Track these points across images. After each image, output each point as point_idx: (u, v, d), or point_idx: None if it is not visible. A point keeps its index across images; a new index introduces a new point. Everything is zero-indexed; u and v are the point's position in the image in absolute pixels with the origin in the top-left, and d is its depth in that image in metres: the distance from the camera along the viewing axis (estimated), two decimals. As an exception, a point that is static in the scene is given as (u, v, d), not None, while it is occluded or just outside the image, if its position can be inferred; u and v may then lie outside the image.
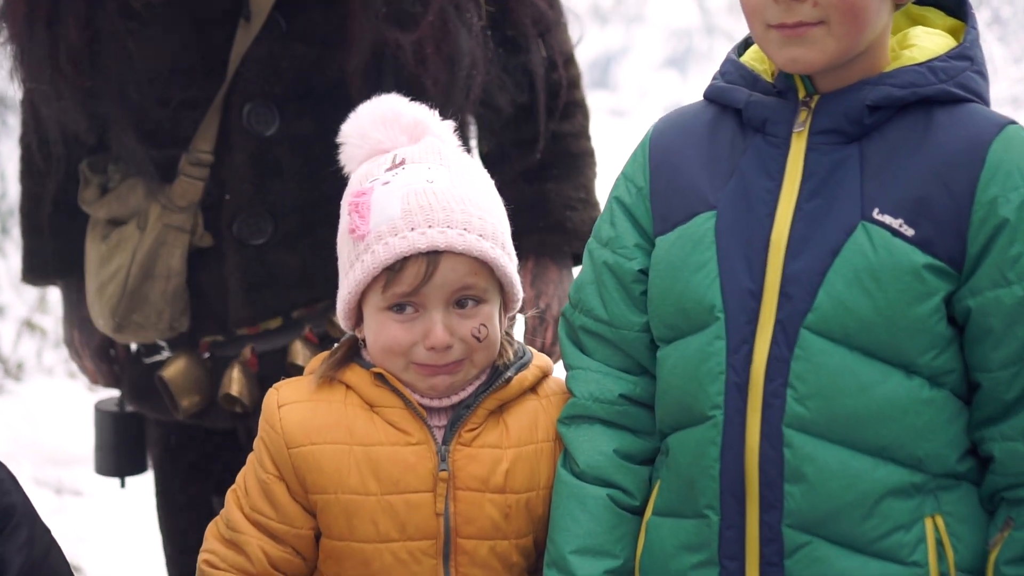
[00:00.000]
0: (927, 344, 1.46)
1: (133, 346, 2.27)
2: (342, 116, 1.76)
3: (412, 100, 1.87)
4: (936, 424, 1.47)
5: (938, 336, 1.47)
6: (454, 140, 1.70)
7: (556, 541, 1.59)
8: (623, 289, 1.61)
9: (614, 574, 1.58)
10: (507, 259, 1.62)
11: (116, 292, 2.16)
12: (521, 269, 2.21)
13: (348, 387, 1.63)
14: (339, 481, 1.60)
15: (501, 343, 1.64)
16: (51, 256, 2.32)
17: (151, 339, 2.18)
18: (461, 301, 1.59)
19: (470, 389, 1.63)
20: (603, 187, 2.21)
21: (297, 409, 1.63)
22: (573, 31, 2.32)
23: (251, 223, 2.12)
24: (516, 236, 2.21)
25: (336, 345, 1.68)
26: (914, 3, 1.58)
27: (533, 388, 1.67)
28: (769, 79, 1.55)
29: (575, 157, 2.31)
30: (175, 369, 2.16)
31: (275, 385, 1.68)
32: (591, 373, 1.63)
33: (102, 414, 2.36)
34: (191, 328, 2.16)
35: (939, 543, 1.48)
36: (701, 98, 1.62)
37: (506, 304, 1.65)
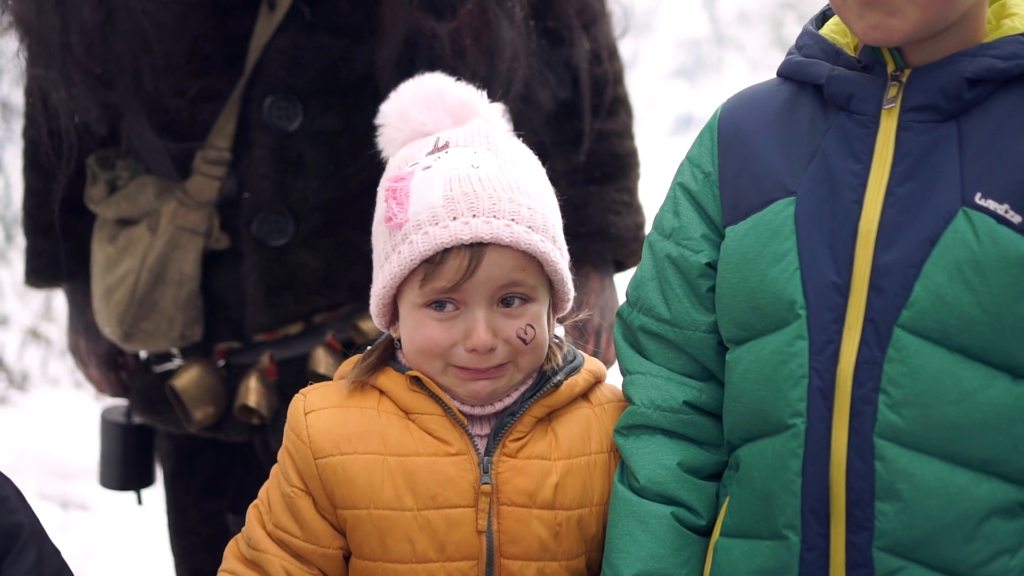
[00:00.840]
0: None
1: (143, 354, 2.22)
2: (369, 111, 1.70)
3: None
4: None
5: None
6: (503, 124, 1.62)
7: (614, 564, 1.50)
8: (688, 285, 1.52)
9: None
10: (558, 254, 1.52)
11: (124, 298, 2.11)
12: None
13: (382, 392, 1.53)
14: (371, 495, 1.51)
15: (549, 346, 1.54)
16: (55, 258, 2.26)
17: (161, 348, 2.13)
18: (507, 299, 1.49)
19: (515, 395, 1.53)
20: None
21: (325, 416, 1.53)
22: (617, 24, 2.29)
23: (271, 222, 2.05)
24: None
25: (370, 347, 1.58)
26: None
27: (585, 395, 1.57)
28: (852, 53, 1.45)
29: (619, 158, 2.26)
30: (187, 378, 2.11)
31: (302, 391, 1.59)
32: (652, 378, 1.54)
33: (108, 424, 2.31)
34: (205, 334, 2.12)
35: None
36: (775, 76, 1.53)
37: (555, 304, 1.56)
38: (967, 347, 1.37)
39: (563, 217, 2.19)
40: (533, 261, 1.49)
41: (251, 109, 2.04)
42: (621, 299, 2.23)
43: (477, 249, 1.46)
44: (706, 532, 1.52)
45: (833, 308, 1.41)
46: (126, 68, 2.05)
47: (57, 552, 1.57)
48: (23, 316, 5.82)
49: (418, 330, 1.50)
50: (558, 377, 1.54)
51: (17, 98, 7.08)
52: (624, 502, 1.52)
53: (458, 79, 2.00)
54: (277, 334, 2.08)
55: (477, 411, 1.52)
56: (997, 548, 1.37)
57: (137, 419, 2.27)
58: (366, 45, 2.04)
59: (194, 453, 2.23)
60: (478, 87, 2.01)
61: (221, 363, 2.11)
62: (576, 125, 2.20)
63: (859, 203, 1.41)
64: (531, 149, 2.22)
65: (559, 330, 1.71)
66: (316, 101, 2.03)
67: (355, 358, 1.58)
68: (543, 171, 1.59)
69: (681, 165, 1.56)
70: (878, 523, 1.39)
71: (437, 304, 1.49)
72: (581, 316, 2.15)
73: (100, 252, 2.16)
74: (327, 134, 2.01)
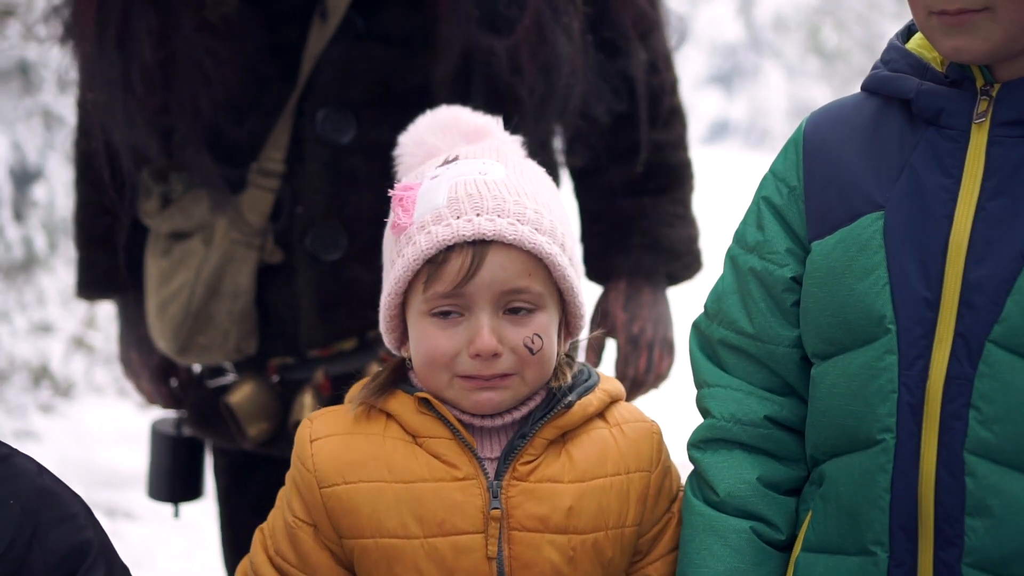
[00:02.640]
0: None
1: (196, 368, 2.23)
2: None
3: (506, 111, 1.81)
4: None
5: None
6: (520, 148, 1.62)
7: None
8: (772, 299, 1.54)
9: None
10: (567, 261, 1.48)
11: (179, 312, 2.12)
12: (612, 291, 2.24)
13: (389, 416, 1.51)
14: (377, 524, 1.48)
15: (558, 363, 1.51)
16: (107, 270, 2.30)
17: (216, 361, 2.14)
18: (514, 307, 1.46)
19: (524, 410, 1.50)
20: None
21: (331, 443, 1.51)
22: (673, 32, 2.29)
23: (325, 237, 2.05)
24: (610, 253, 2.20)
25: (379, 369, 1.56)
26: None
27: (601, 415, 1.54)
28: (939, 68, 1.46)
29: (673, 169, 2.26)
30: (242, 394, 2.11)
31: (309, 416, 1.58)
32: (732, 392, 1.55)
33: (158, 436, 2.34)
34: (259, 350, 2.12)
35: None
36: (859, 91, 1.55)
37: (569, 322, 1.53)
38: None
39: (618, 228, 2.13)
40: (540, 267, 1.46)
41: (304, 122, 2.04)
42: (675, 312, 2.24)
43: (480, 247, 1.44)
44: (785, 547, 1.53)
45: (923, 323, 1.43)
46: (186, 103, 2.08)
47: (126, 569, 1.59)
48: (67, 324, 5.91)
49: (423, 340, 1.48)
50: (570, 397, 1.51)
51: (59, 107, 7.20)
52: (701, 516, 1.52)
53: (517, 95, 1.98)
54: (331, 350, 2.08)
55: (487, 423, 1.49)
56: None
57: (187, 431, 2.28)
58: (420, 56, 2.05)
59: (248, 469, 2.23)
60: (536, 103, 2.02)
61: (275, 379, 2.11)
62: (632, 136, 2.20)
63: (949, 218, 1.43)
64: (586, 162, 2.21)
65: (580, 353, 1.67)
66: (370, 113, 2.04)
67: (363, 380, 1.56)
68: (556, 188, 1.59)
69: (764, 178, 1.57)
70: (968, 539, 1.39)
71: (442, 314, 1.46)
72: (634, 330, 2.18)
73: (154, 266, 2.17)
74: (381, 146, 1.97)
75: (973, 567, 1.40)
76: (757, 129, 15.36)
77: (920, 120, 1.47)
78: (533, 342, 1.45)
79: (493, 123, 1.61)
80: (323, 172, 2.06)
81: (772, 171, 1.56)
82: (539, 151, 2.13)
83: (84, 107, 2.22)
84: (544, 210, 1.48)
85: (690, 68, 18.19)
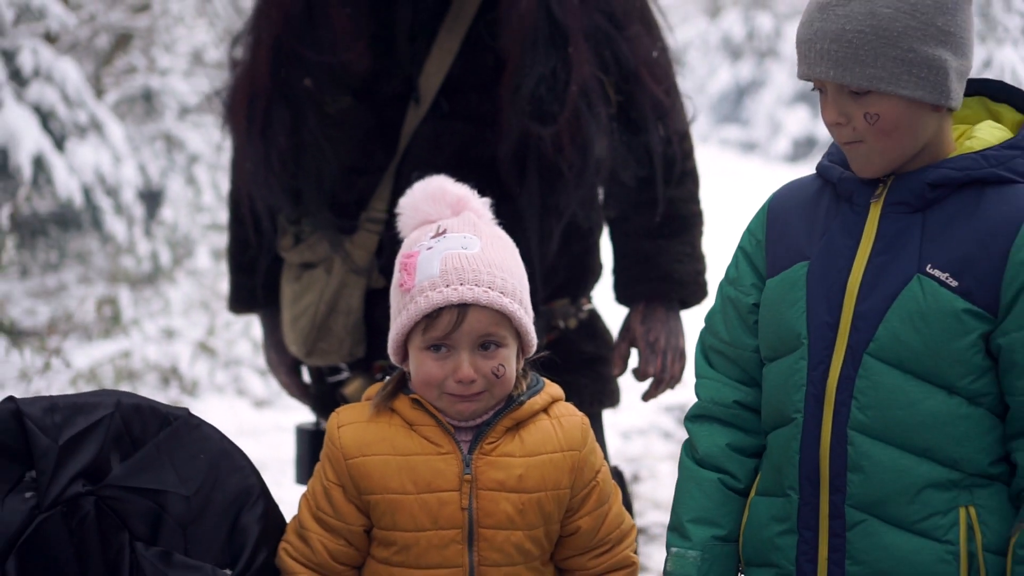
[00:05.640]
0: (964, 371, 1.72)
1: (317, 366, 2.52)
2: (492, 184, 2.04)
3: (552, 179, 2.13)
4: (972, 434, 1.73)
5: (975, 366, 1.72)
6: (489, 214, 1.94)
7: (677, 511, 1.91)
8: (741, 318, 1.90)
9: (719, 540, 1.88)
10: (523, 312, 1.85)
11: (307, 325, 2.43)
12: (634, 311, 2.55)
13: (393, 411, 1.89)
14: (384, 484, 1.85)
15: (517, 379, 1.89)
16: (252, 291, 2.63)
17: (334, 362, 2.46)
18: (485, 344, 1.83)
19: (491, 414, 1.87)
20: (732, 219, 2.30)
21: (353, 429, 1.89)
22: (689, 110, 2.57)
23: None
24: (632, 283, 2.52)
25: (387, 380, 1.93)
26: (992, 100, 1.85)
27: (545, 410, 1.91)
28: None
29: (684, 219, 2.54)
30: (354, 388, 2.42)
31: (336, 410, 1.94)
32: (713, 382, 1.92)
33: (302, 432, 2.62)
34: (367, 354, 2.43)
35: (970, 528, 1.73)
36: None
37: (524, 348, 1.89)
38: (914, 371, 1.74)
39: (640, 264, 2.43)
40: (504, 318, 1.83)
41: (401, 181, 2.31)
42: (689, 329, 2.50)
43: (463, 308, 1.81)
44: (744, 494, 1.89)
45: (825, 339, 1.78)
46: (311, 175, 2.39)
47: (279, 511, 1.93)
48: (190, 331, 6.17)
49: (421, 367, 1.85)
50: (522, 397, 1.88)
51: (180, 131, 7.36)
52: (687, 469, 1.91)
53: (559, 168, 2.28)
54: None
55: (463, 424, 1.86)
56: (931, 510, 1.74)
57: (323, 426, 2.49)
58: (489, 133, 2.33)
59: None
60: (574, 175, 2.31)
61: (378, 376, 2.34)
62: (652, 194, 2.49)
63: (848, 269, 1.78)
64: (617, 214, 2.51)
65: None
66: (451, 175, 2.15)
67: (378, 385, 1.94)
68: (516, 250, 1.91)
69: (743, 233, 1.93)
70: (849, 488, 1.75)
71: (435, 347, 1.83)
72: (651, 339, 2.46)
73: (288, 288, 2.48)
74: None
75: (852, 507, 1.76)
76: (842, 146, 14.87)
77: (841, 198, 1.82)
78: (498, 370, 1.84)
79: (470, 194, 1.92)
80: (416, 220, 2.33)
81: (748, 227, 1.92)
82: (588, 207, 2.45)
83: (236, 173, 2.54)
84: (508, 276, 1.84)
85: (776, 86, 17.51)
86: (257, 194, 2.47)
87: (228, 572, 1.86)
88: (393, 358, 1.91)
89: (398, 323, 1.87)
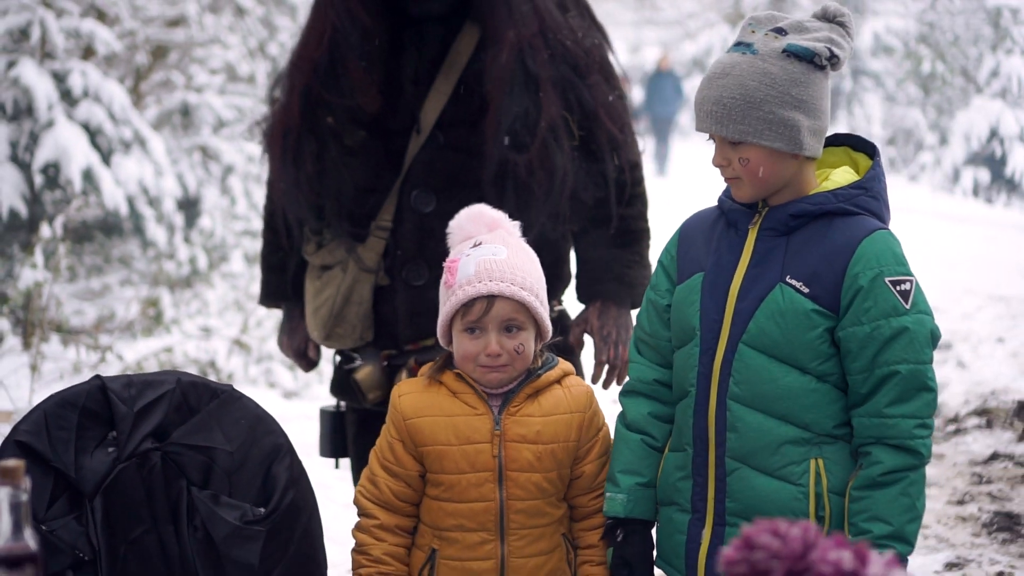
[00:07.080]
0: (814, 356, 2.08)
1: (336, 357, 2.82)
2: (477, 202, 2.34)
3: (525, 198, 2.46)
4: (820, 404, 2.08)
5: (822, 352, 2.08)
6: (517, 232, 2.29)
7: (611, 465, 2.25)
8: (659, 316, 2.24)
9: (642, 486, 2.22)
10: (539, 304, 2.20)
11: (326, 314, 2.72)
12: (591, 308, 2.85)
13: (441, 383, 2.26)
14: (434, 438, 2.21)
15: (534, 356, 2.25)
16: (280, 288, 2.93)
17: (348, 346, 2.74)
18: (508, 327, 2.19)
19: (514, 384, 2.23)
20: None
21: (410, 397, 2.26)
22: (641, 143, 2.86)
23: (415, 270, 2.65)
24: (592, 284, 2.86)
25: (439, 357, 2.31)
26: (853, 150, 2.19)
27: (559, 381, 2.27)
28: None
29: (634, 233, 2.83)
30: (364, 373, 2.72)
31: (398, 383, 2.31)
32: (639, 365, 2.27)
33: (325, 414, 2.90)
34: (375, 343, 2.71)
35: (818, 475, 2.09)
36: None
37: (541, 333, 2.25)
38: (776, 355, 2.08)
39: (598, 269, 2.76)
40: (524, 308, 2.19)
41: (404, 198, 2.63)
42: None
43: (491, 299, 2.17)
44: (662, 451, 2.23)
45: (713, 332, 2.12)
46: (332, 194, 2.69)
47: (302, 464, 2.20)
48: (226, 329, 6.42)
49: (460, 345, 2.22)
50: (539, 371, 2.24)
51: (215, 144, 7.48)
52: (619, 432, 2.25)
53: (531, 189, 2.61)
54: (419, 345, 2.66)
55: (494, 391, 2.22)
56: (788, 461, 2.09)
57: (343, 408, 2.82)
58: (475, 161, 2.63)
59: (369, 421, 2.75)
60: (543, 194, 2.63)
61: (385, 363, 2.70)
62: (607, 212, 2.78)
63: (731, 279, 2.11)
64: (579, 228, 2.81)
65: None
66: (445, 193, 2.61)
67: (429, 364, 2.29)
68: (536, 258, 2.25)
69: (663, 249, 2.25)
70: (728, 444, 2.10)
71: (470, 329, 2.20)
72: (604, 333, 2.79)
73: (311, 285, 2.77)
74: (450, 215, 2.40)
75: (731, 458, 2.10)
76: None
77: (729, 224, 2.15)
78: (519, 348, 2.19)
79: (503, 216, 2.28)
80: (414, 229, 2.63)
81: (666, 246, 2.24)
82: (555, 220, 2.75)
83: (271, 191, 2.86)
84: (527, 276, 2.19)
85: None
86: (288, 209, 2.76)
87: (262, 510, 2.14)
88: (441, 340, 2.25)
89: (444, 311, 2.21)
